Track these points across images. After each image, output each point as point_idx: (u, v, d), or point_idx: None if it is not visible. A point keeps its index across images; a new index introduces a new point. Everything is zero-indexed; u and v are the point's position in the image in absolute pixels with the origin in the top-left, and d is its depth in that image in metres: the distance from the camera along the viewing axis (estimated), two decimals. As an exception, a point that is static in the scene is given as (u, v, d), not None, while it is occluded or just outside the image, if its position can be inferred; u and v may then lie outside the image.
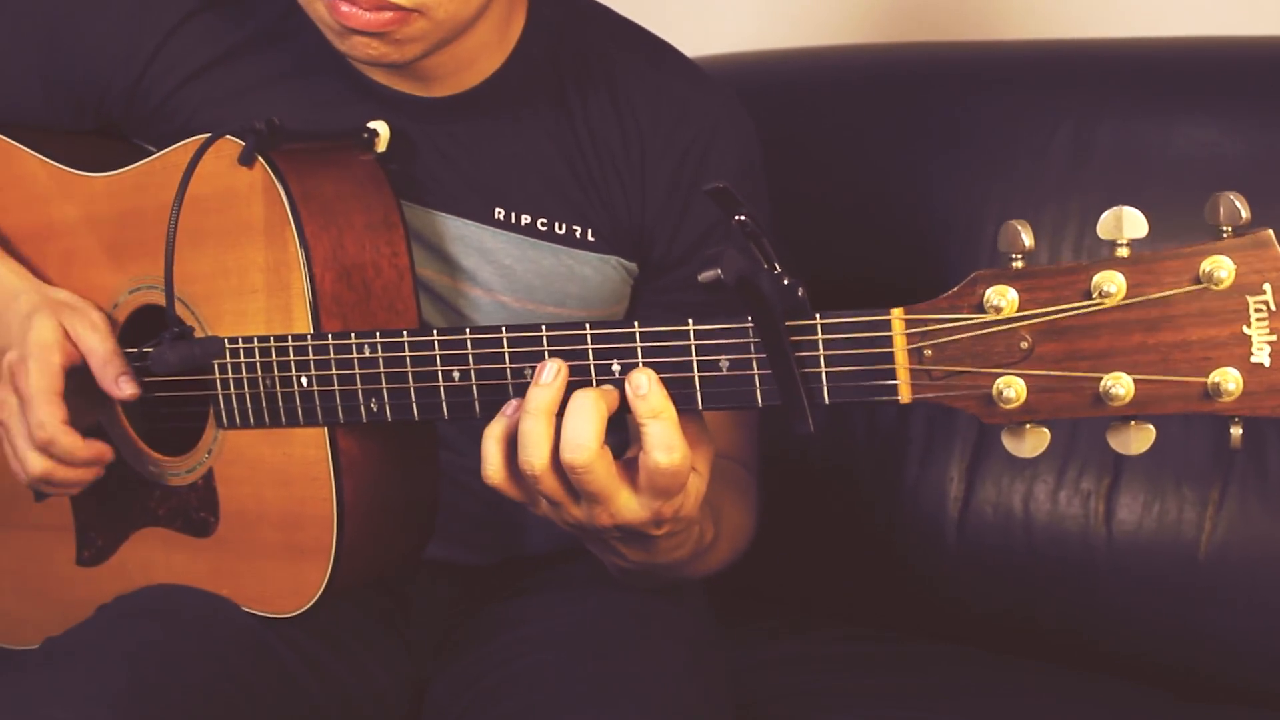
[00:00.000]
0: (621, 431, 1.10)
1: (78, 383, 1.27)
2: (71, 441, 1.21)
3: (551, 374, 1.01)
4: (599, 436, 0.99)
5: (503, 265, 1.28)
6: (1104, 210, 1.51)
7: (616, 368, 1.01)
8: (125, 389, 1.21)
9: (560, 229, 1.28)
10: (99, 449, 1.22)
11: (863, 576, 1.65)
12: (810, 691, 1.47)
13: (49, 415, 1.20)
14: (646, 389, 0.99)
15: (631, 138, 1.28)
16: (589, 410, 0.99)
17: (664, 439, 0.99)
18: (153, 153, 1.25)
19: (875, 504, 1.64)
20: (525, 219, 1.28)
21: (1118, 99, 1.58)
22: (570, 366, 1.02)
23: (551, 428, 1.01)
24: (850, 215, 1.70)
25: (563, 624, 1.27)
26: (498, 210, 1.28)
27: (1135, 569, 1.50)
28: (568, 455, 0.99)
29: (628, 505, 1.03)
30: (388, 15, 1.14)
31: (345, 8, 1.14)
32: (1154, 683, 1.48)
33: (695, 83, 1.32)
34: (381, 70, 1.25)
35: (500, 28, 1.26)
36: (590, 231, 1.29)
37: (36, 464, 1.22)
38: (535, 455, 1.01)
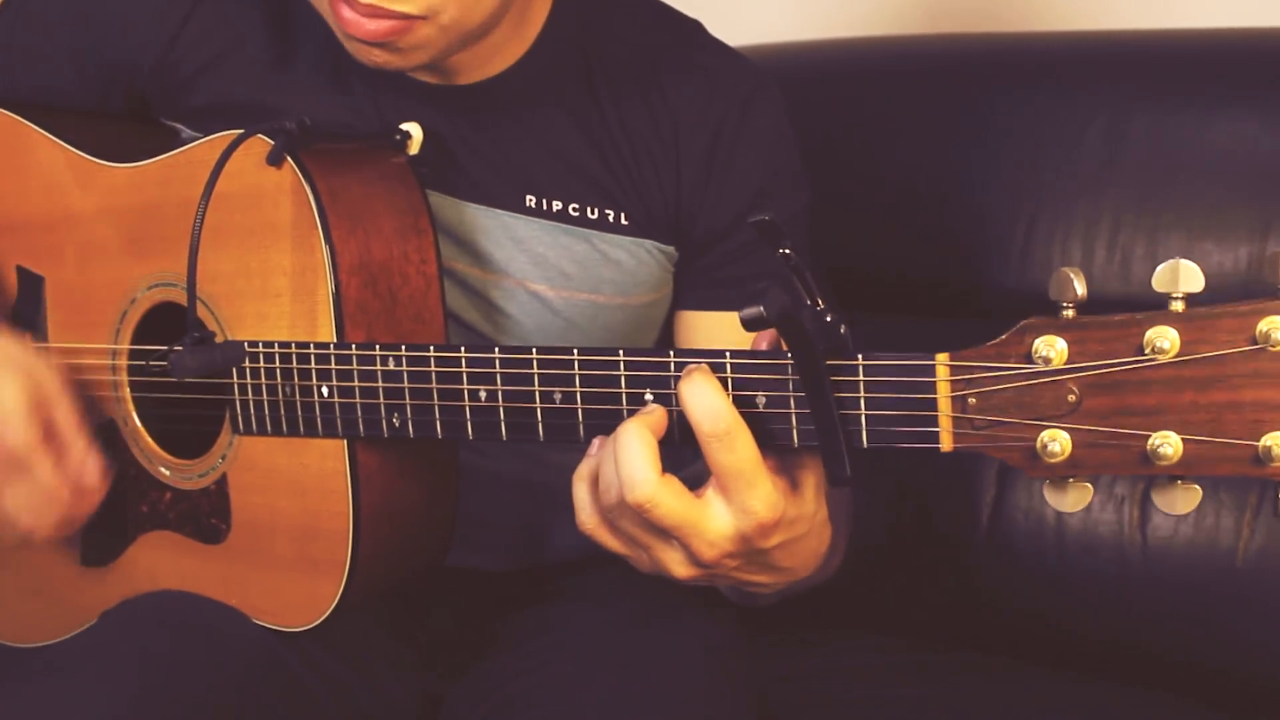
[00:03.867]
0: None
1: (86, 380, 1.29)
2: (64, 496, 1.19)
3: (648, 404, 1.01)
4: (652, 465, 0.97)
5: (536, 253, 1.31)
6: (1139, 207, 1.54)
7: (649, 397, 1.03)
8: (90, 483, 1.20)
9: (592, 214, 1.31)
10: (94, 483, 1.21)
11: (890, 584, 1.67)
12: (836, 703, 1.49)
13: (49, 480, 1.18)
14: (692, 371, 0.98)
15: (662, 117, 1.31)
16: (633, 442, 0.98)
17: (702, 404, 0.96)
18: (179, 139, 1.27)
19: (903, 509, 1.66)
20: (556, 205, 1.30)
21: (1152, 92, 1.60)
22: (601, 393, 1.04)
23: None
24: (878, 211, 1.72)
25: (585, 634, 1.29)
26: (529, 198, 1.30)
27: (1171, 577, 1.51)
28: (628, 496, 0.98)
29: (718, 524, 0.99)
30: (387, 24, 1.15)
31: (347, 13, 1.16)
32: (1189, 693, 1.49)
33: (722, 56, 1.35)
34: None
35: (518, 18, 1.28)
36: (623, 215, 1.31)
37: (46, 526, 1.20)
38: (606, 493, 1.00)
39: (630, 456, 0.97)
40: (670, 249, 1.34)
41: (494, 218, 1.30)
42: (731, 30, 1.42)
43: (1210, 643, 1.50)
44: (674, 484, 0.98)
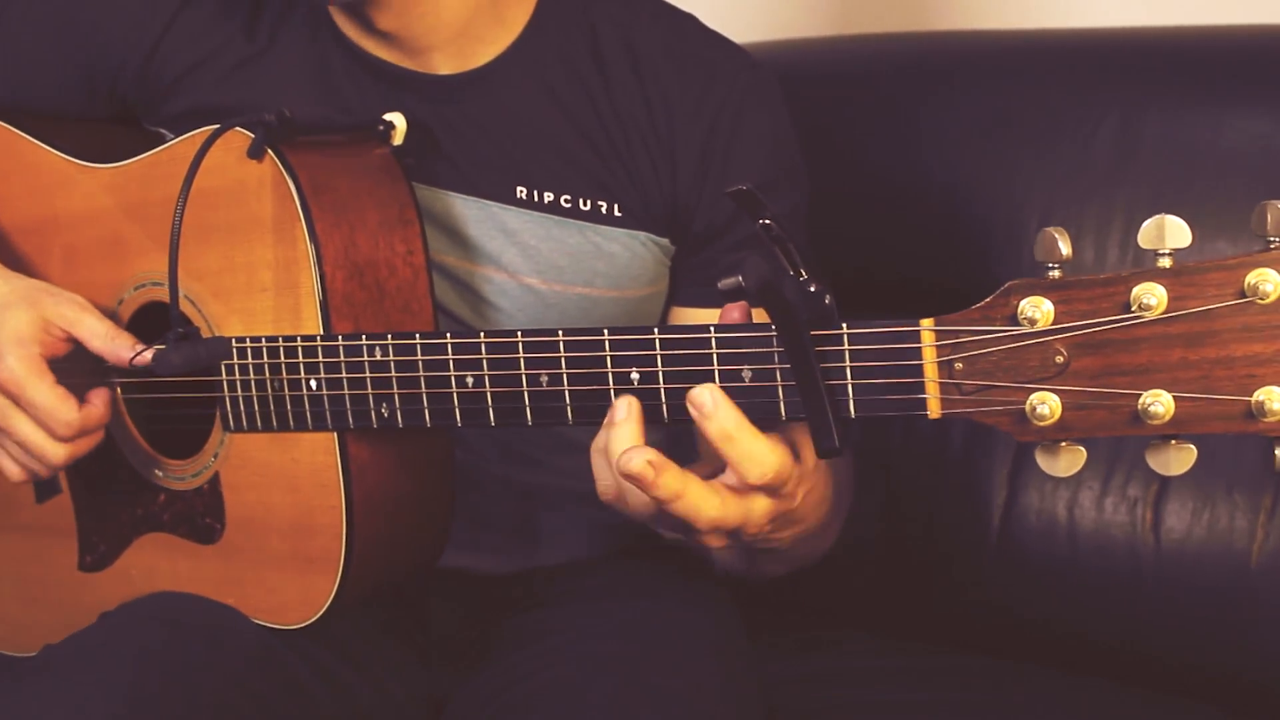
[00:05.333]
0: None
1: (73, 385, 1.30)
2: (72, 414, 1.22)
3: (623, 413, 1.01)
4: (681, 483, 0.99)
5: (528, 245, 1.31)
6: (1152, 206, 1.53)
7: (635, 376, 1.03)
8: (147, 357, 1.20)
9: (585, 205, 1.31)
10: (99, 405, 1.23)
11: (900, 586, 1.67)
12: (845, 706, 1.48)
13: (48, 399, 1.21)
14: (712, 407, 0.98)
15: (658, 108, 1.31)
16: (676, 486, 0.99)
17: (748, 457, 0.98)
18: (161, 142, 1.28)
19: (913, 510, 1.65)
20: (548, 196, 1.30)
21: (1165, 90, 1.59)
22: (587, 374, 1.04)
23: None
24: (887, 211, 1.71)
25: (587, 636, 1.29)
26: (519, 189, 1.30)
27: (1184, 579, 1.51)
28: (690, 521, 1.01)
29: (760, 508, 1.02)
30: None
31: None
32: (1202, 696, 1.49)
33: (718, 47, 1.35)
34: (383, 46, 1.29)
35: (500, 7, 1.29)
36: (617, 207, 1.31)
37: (56, 452, 1.22)
38: (639, 503, 1.02)
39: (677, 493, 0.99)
40: (665, 242, 1.34)
41: (483, 209, 1.30)
42: (727, 27, 1.41)
43: (1224, 645, 1.50)
44: (716, 488, 1.00)
